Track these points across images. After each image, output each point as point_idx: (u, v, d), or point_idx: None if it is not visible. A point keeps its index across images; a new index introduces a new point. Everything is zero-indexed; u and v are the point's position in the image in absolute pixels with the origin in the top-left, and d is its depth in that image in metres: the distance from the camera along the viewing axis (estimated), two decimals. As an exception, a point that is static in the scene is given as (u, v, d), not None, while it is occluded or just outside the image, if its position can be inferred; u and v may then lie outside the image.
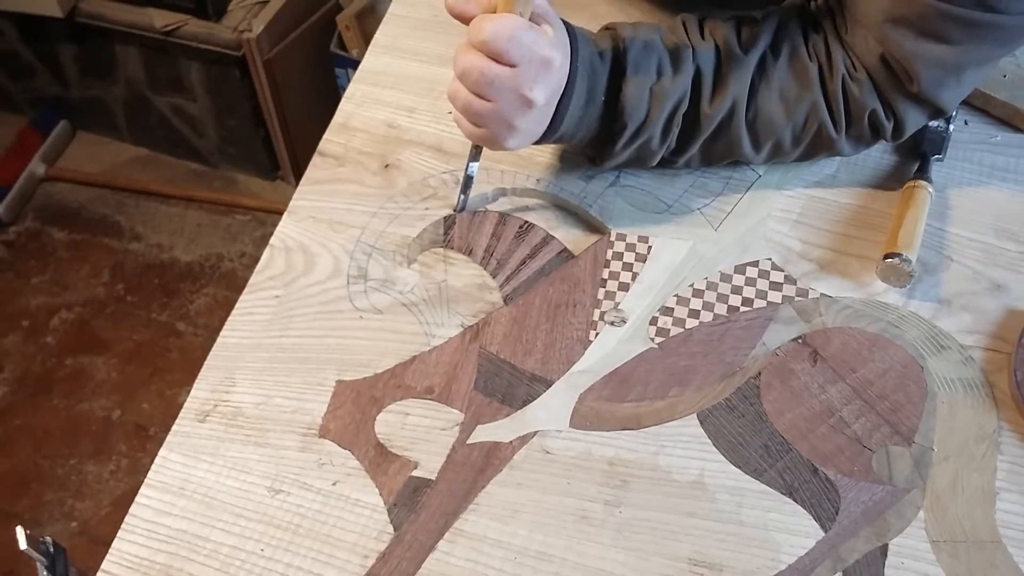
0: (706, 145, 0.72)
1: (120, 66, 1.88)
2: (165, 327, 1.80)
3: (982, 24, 0.63)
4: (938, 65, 0.66)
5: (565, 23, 0.66)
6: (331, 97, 1.76)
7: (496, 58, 0.60)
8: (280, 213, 0.76)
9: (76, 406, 1.70)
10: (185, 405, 0.65)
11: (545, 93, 0.62)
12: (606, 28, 0.71)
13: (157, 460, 0.63)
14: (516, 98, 0.62)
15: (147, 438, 1.65)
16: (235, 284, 1.83)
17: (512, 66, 0.60)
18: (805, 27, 0.71)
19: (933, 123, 0.79)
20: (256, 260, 0.73)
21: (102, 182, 2.01)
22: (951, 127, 0.80)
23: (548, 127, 0.67)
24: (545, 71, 0.62)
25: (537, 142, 0.69)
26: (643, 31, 0.69)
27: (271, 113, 1.83)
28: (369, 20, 1.72)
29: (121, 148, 2.08)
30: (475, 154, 0.72)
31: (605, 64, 0.68)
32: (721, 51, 0.70)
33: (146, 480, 0.62)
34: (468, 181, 0.73)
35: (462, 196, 0.74)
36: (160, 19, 1.72)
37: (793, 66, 0.69)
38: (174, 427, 0.64)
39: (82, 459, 1.64)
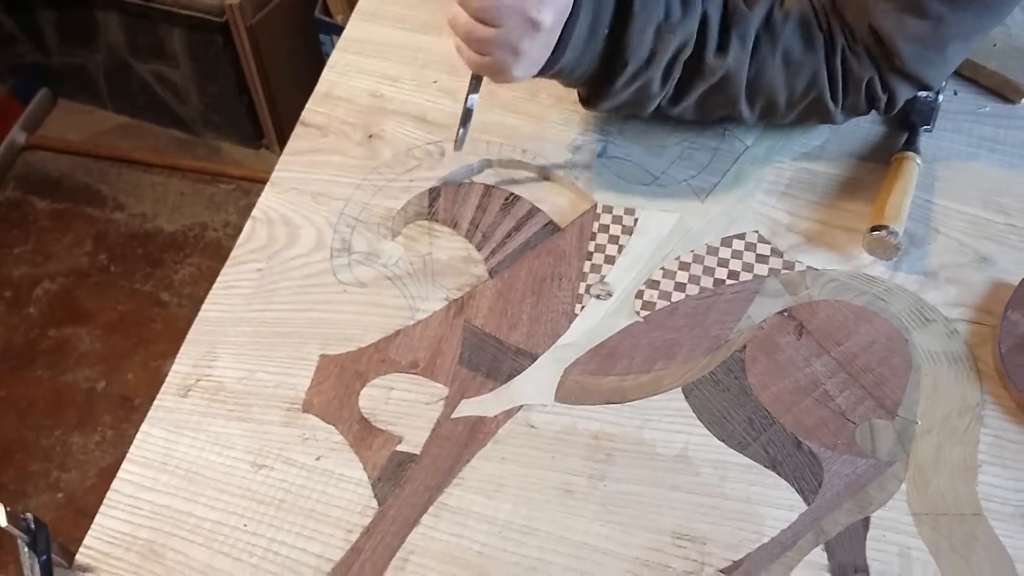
0: (703, 96, 0.70)
1: (101, 33, 1.85)
2: (149, 297, 1.78)
3: None
4: (919, 41, 0.65)
5: None
6: (316, 64, 1.72)
7: None
8: (264, 182, 0.75)
9: (60, 377, 1.69)
10: (167, 380, 0.65)
11: (553, 13, 0.59)
12: None
13: (139, 435, 0.62)
14: (522, 21, 0.58)
15: (132, 409, 1.64)
16: (219, 254, 1.81)
17: None
18: None
19: (922, 93, 0.78)
20: (240, 230, 0.72)
21: (84, 150, 1.99)
22: (940, 97, 0.79)
23: (549, 57, 0.64)
24: None
25: (537, 75, 0.65)
26: None
27: (255, 80, 1.80)
28: (354, -14, 1.69)
29: (103, 116, 2.05)
30: (475, 85, 0.68)
31: None
32: (729, 2, 0.68)
33: (128, 455, 0.62)
34: (468, 114, 0.69)
35: (461, 131, 0.70)
36: (140, -16, 1.69)
37: (801, 30, 0.68)
38: (156, 402, 0.64)
39: (67, 430, 1.63)
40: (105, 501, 0.60)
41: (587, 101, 0.72)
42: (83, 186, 1.94)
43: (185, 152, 1.99)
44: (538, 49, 0.62)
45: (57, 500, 1.57)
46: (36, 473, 1.58)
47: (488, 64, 0.62)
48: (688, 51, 0.66)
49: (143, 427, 0.63)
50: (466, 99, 0.69)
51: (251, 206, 0.73)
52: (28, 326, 1.75)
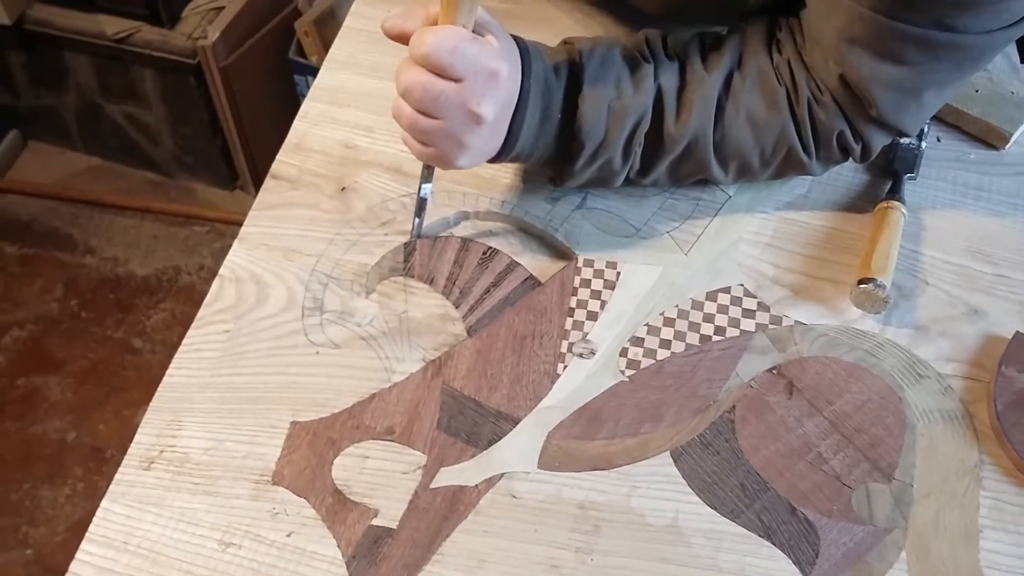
0: (673, 166, 0.70)
1: (71, 74, 1.82)
2: (121, 344, 1.74)
3: (939, 44, 0.60)
4: (895, 88, 0.63)
5: (516, 37, 0.63)
6: (290, 105, 1.71)
7: (439, 73, 0.57)
8: (239, 224, 0.73)
9: (29, 428, 1.64)
10: (128, 451, 0.61)
11: (494, 107, 0.59)
12: (563, 42, 0.68)
13: (99, 512, 0.59)
14: (464, 114, 0.58)
15: (103, 461, 1.59)
16: (193, 298, 1.78)
17: (457, 80, 0.57)
18: (770, 48, 0.68)
19: (904, 140, 0.77)
20: (215, 273, 0.69)
21: (54, 193, 1.95)
22: (923, 144, 0.78)
23: (503, 146, 0.64)
24: (492, 84, 0.58)
25: (492, 160, 0.65)
26: (601, 45, 0.66)
27: (228, 121, 1.78)
28: (329, 26, 1.68)
29: (74, 158, 2.02)
30: (427, 175, 0.69)
31: (560, 79, 0.65)
32: (685, 69, 0.67)
33: (87, 534, 0.58)
34: (422, 204, 0.70)
35: (416, 220, 0.71)
36: (111, 26, 1.67)
37: (761, 88, 0.67)
38: (117, 476, 0.60)
39: (36, 483, 1.58)
40: (63, 585, 0.57)
41: (552, 181, 0.72)
42: (53, 230, 1.91)
43: (158, 194, 1.96)
44: (482, 141, 0.62)
45: (26, 557, 1.51)
46: (4, 529, 1.53)
47: (434, 155, 0.62)
48: (646, 125, 0.66)
49: (103, 503, 0.59)
50: (419, 189, 0.69)
51: (226, 249, 0.71)
52: (-5, 375, 1.70)
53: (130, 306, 1.79)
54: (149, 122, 1.87)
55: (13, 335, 1.76)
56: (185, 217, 1.92)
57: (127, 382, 1.69)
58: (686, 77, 0.67)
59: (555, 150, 0.67)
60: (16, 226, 1.92)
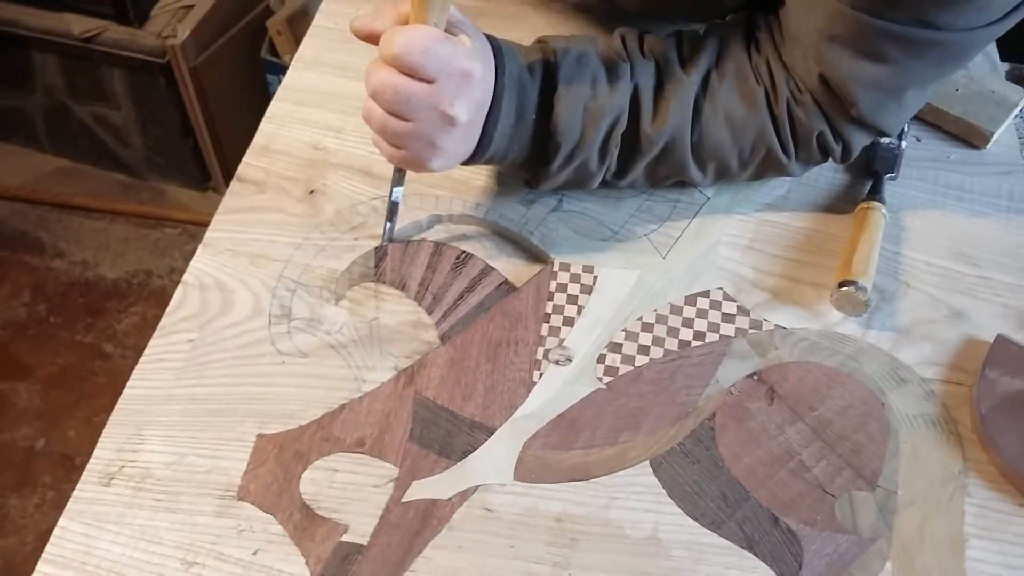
0: (650, 167, 0.68)
1: (38, 74, 1.78)
2: (91, 349, 1.70)
3: (920, 42, 0.59)
4: (876, 87, 0.62)
5: (490, 37, 0.61)
6: (262, 105, 1.66)
7: (411, 73, 0.55)
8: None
9: (-4, 436, 1.60)
10: (87, 467, 0.59)
11: (467, 108, 0.57)
12: (538, 41, 0.66)
13: (56, 531, 0.56)
14: (436, 116, 0.56)
15: (73, 468, 1.56)
16: (165, 301, 1.72)
17: (429, 81, 0.55)
18: (749, 47, 0.67)
19: (884, 140, 0.76)
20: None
21: (22, 196, 1.91)
22: (903, 144, 0.77)
23: (476, 147, 0.62)
24: (466, 85, 0.57)
25: (466, 163, 0.64)
26: (577, 44, 0.65)
27: (199, 122, 1.75)
28: (301, 24, 1.65)
29: (42, 159, 1.97)
30: (399, 178, 0.67)
31: (535, 79, 0.63)
32: (662, 69, 0.66)
33: (44, 554, 0.56)
34: (394, 208, 0.68)
35: (388, 224, 0.69)
36: (78, 25, 1.63)
37: (739, 88, 0.65)
38: (75, 492, 0.58)
39: (4, 492, 1.54)
40: (17, 608, 0.54)
41: (528, 183, 0.70)
42: (21, 233, 1.87)
43: (128, 196, 1.93)
44: (455, 143, 0.60)
45: (-8, 568, 1.48)
46: (-31, 540, 1.49)
47: (406, 158, 0.60)
48: (622, 126, 0.64)
49: (60, 522, 0.57)
50: (391, 193, 0.67)
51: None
52: (-39, 382, 1.66)
53: (100, 310, 1.75)
54: (118, 123, 1.83)
55: (-20, 341, 1.71)
56: (156, 219, 1.88)
57: (97, 388, 1.66)
58: (663, 77, 0.65)
59: (530, 151, 0.65)
60: (-18, 229, 1.87)
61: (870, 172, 0.75)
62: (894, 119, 0.65)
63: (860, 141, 0.67)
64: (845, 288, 0.65)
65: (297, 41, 1.64)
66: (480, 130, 0.61)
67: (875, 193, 0.72)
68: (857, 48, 0.60)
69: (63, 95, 1.81)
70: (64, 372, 1.68)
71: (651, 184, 0.71)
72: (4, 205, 1.91)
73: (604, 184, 0.69)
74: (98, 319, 1.74)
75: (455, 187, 0.73)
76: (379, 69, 0.56)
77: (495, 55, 0.60)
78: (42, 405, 1.64)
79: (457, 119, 0.57)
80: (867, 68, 0.61)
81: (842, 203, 0.74)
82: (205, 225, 0.72)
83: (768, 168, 0.69)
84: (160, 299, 1.76)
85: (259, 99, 1.76)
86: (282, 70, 1.67)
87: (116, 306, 1.76)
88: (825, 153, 0.68)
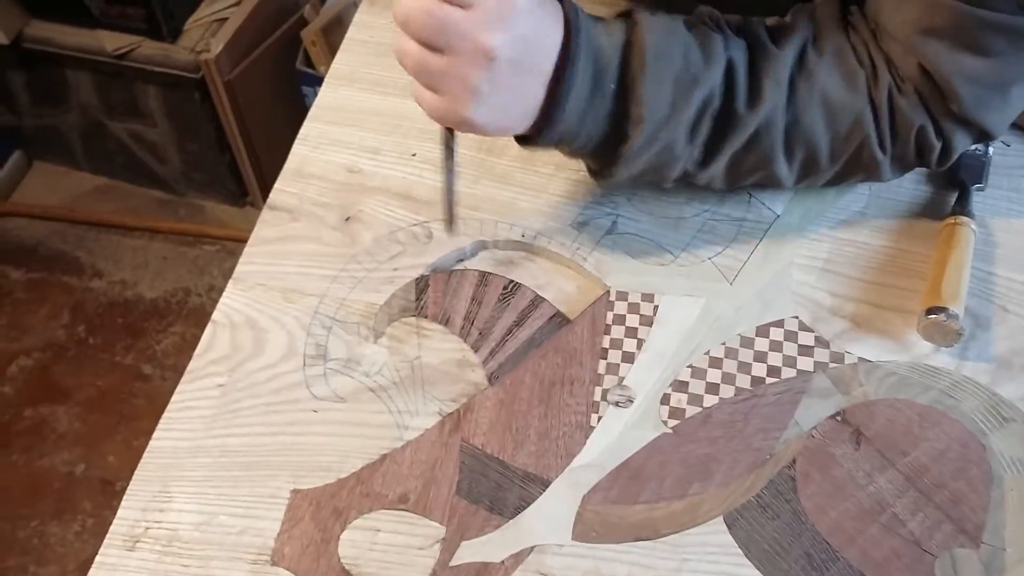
0: (736, 156, 0.60)
1: (73, 92, 1.76)
2: (130, 371, 1.68)
3: None
4: (978, 82, 0.56)
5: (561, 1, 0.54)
6: (299, 117, 1.63)
7: None
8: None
9: (36, 461, 1.58)
10: (111, 529, 0.55)
11: (506, 40, 0.50)
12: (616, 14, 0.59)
13: (77, 601, 0.52)
14: (472, 47, 0.50)
15: (113, 494, 1.53)
16: (204, 321, 1.71)
17: (465, 7, 0.50)
18: (846, 27, 0.60)
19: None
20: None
21: (60, 215, 1.90)
22: (990, 151, 0.70)
23: (545, 119, 0.54)
24: (508, 12, 0.50)
25: (528, 142, 0.57)
26: (662, 15, 0.57)
27: (235, 136, 1.72)
28: (336, 34, 1.61)
29: (80, 178, 1.96)
30: (448, 152, 0.58)
31: (615, 46, 0.55)
32: (752, 45, 0.59)
33: (64, 627, 0.51)
34: (450, 184, 0.60)
35: (451, 210, 0.61)
36: (111, 42, 1.61)
37: (840, 66, 0.58)
38: (97, 558, 0.53)
39: (44, 520, 1.52)
40: None
41: (599, 172, 0.61)
42: (59, 253, 1.85)
43: (166, 213, 1.91)
44: (497, 88, 0.52)
45: (34, 598, 1.46)
46: (12, 569, 1.48)
47: (444, 107, 0.53)
48: (715, 103, 0.57)
49: (82, 590, 0.53)
50: (444, 168, 0.59)
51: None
52: (2, 406, 1.65)
53: (139, 330, 1.73)
54: (154, 139, 1.81)
55: (20, 364, 1.70)
56: (194, 236, 1.86)
57: (137, 410, 1.63)
58: (755, 53, 0.58)
59: (607, 129, 0.57)
60: (21, 250, 1.86)
61: (955, 183, 0.68)
62: (998, 117, 0.59)
63: (962, 142, 0.60)
64: (934, 316, 0.59)
65: (332, 51, 1.60)
66: (532, 85, 0.54)
67: (962, 206, 0.66)
68: (957, 41, 0.54)
69: (99, 113, 1.79)
70: (103, 395, 1.66)
71: (730, 180, 0.63)
72: (42, 225, 1.89)
73: (680, 180, 0.62)
74: (137, 340, 1.72)
75: (500, 210, 0.68)
76: None
77: (567, 16, 0.53)
78: (82, 429, 1.62)
79: (495, 50, 0.50)
80: (968, 62, 0.55)
81: (926, 218, 0.67)
82: (243, 241, 0.67)
83: (858, 166, 0.62)
84: (199, 318, 1.74)
85: (295, 112, 1.73)
86: (318, 81, 1.63)
87: (155, 326, 1.74)
88: (921, 154, 0.61)
